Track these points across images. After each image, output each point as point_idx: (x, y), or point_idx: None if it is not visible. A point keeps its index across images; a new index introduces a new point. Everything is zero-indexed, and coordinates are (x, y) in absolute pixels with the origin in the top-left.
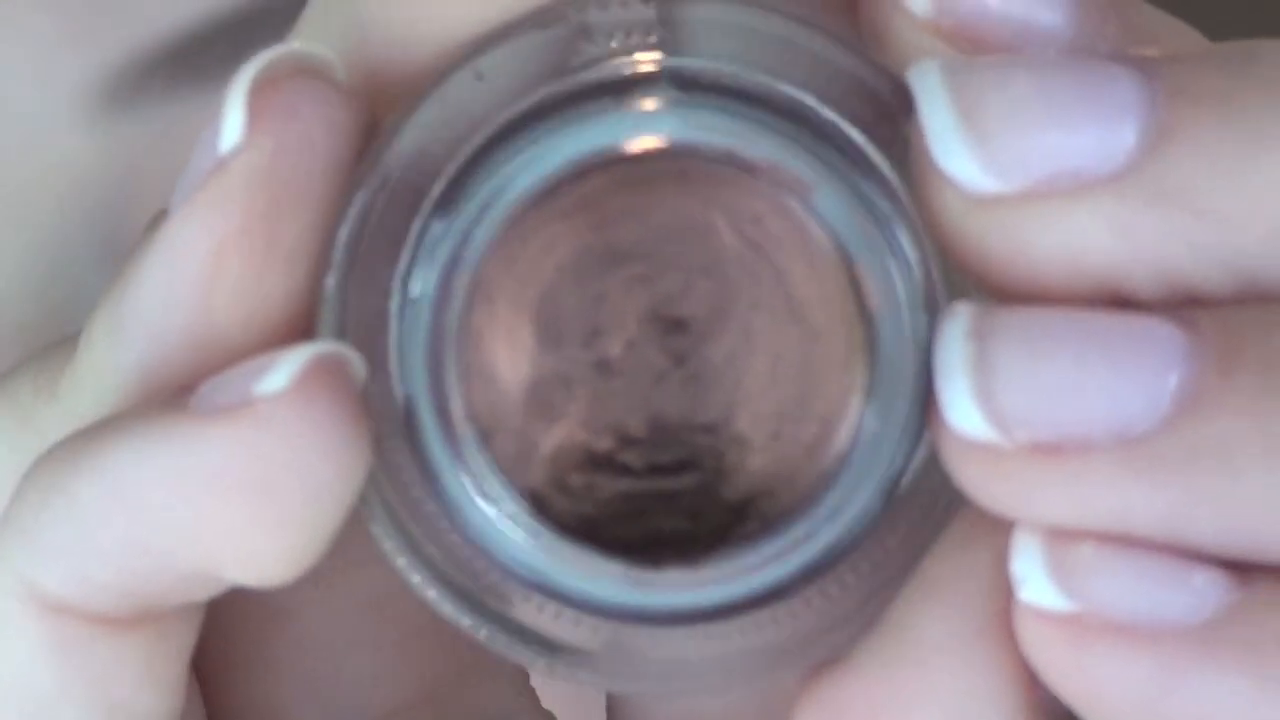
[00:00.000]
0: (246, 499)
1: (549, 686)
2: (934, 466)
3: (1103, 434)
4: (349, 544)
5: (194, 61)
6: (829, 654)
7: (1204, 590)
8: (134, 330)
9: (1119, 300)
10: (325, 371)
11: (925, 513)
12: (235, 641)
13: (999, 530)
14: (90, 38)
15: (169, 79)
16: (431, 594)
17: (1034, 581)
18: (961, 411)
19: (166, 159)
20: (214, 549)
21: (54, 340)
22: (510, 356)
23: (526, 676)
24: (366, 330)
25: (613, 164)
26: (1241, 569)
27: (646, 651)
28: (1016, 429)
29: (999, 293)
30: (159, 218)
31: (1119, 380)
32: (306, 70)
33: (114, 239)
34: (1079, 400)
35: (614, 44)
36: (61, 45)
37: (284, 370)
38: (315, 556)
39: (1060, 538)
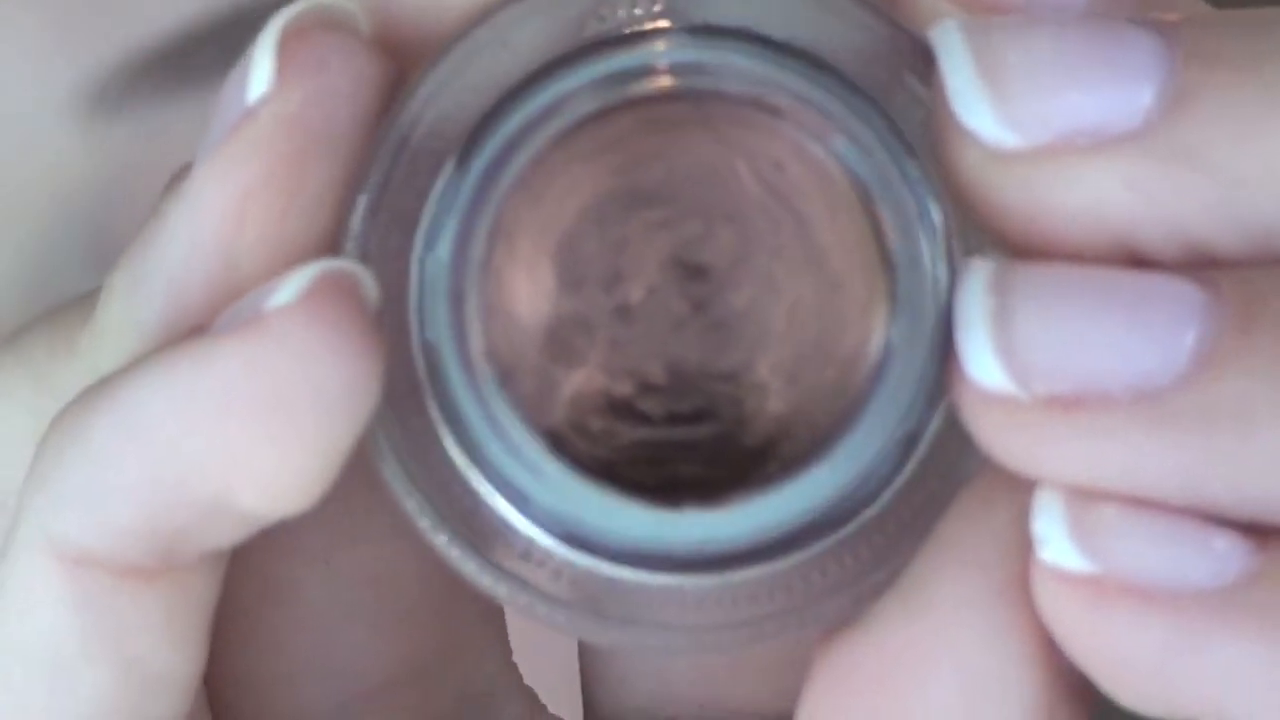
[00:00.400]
0: (257, 416)
1: (526, 663)
2: (952, 431)
3: (1120, 389)
4: (350, 521)
5: (187, 63)
6: (837, 619)
7: (1225, 554)
8: (156, 282)
9: (1136, 260)
10: (333, 286)
11: (942, 478)
12: (234, 614)
13: (1019, 490)
14: (83, 39)
15: (162, 81)
16: (425, 523)
17: (1055, 542)
18: (981, 364)
19: (159, 160)
20: (227, 473)
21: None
22: (531, 298)
23: (510, 654)
24: (389, 279)
25: (635, 104)
26: (1259, 533)
27: (642, 603)
28: (1035, 381)
29: (1017, 248)
30: (180, 174)
31: (1136, 336)
32: (333, 24)
33: (106, 241)
34: (1097, 354)
35: (637, 8)
36: (54, 46)
37: (292, 285)
38: (327, 479)
39: (1082, 498)
